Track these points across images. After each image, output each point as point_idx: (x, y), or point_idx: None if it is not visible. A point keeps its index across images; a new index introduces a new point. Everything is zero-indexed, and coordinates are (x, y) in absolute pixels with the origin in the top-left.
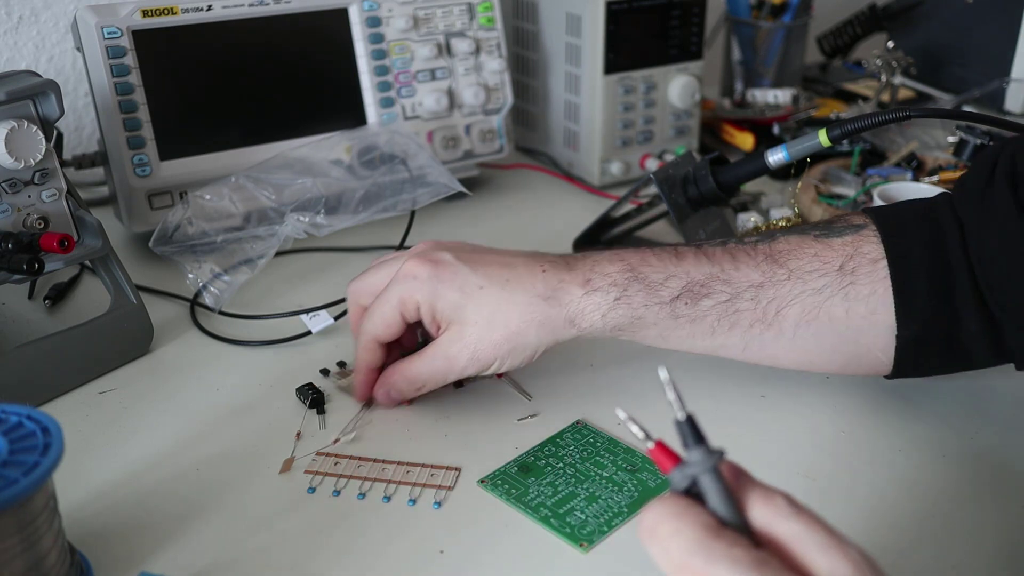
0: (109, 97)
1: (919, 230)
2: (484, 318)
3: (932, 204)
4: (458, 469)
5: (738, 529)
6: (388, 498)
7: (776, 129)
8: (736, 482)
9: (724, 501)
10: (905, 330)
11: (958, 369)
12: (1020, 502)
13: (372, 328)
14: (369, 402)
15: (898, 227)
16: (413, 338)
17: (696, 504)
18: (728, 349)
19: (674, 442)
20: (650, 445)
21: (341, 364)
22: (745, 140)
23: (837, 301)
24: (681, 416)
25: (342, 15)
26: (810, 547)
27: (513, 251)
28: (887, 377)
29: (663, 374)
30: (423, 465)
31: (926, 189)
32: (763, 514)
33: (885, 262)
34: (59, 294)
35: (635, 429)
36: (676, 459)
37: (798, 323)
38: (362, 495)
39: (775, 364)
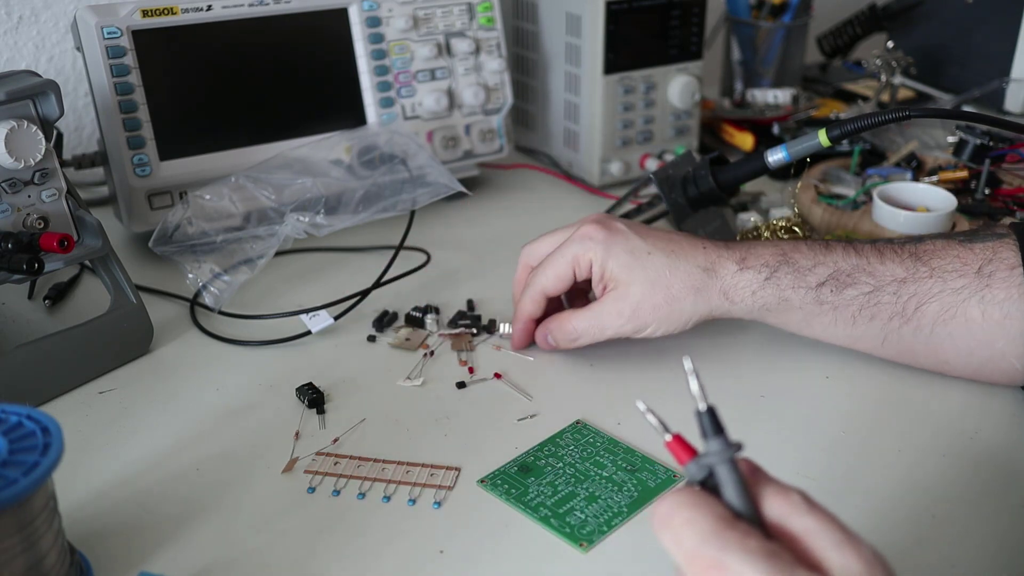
0: (109, 97)
1: None
2: (649, 280)
3: None
4: (458, 469)
5: (752, 522)
6: (388, 498)
7: (776, 129)
8: (752, 478)
9: (739, 493)
10: None
11: None
12: (1020, 502)
13: (543, 280)
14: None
15: None
16: (561, 306)
17: (711, 496)
18: (867, 341)
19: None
20: (668, 437)
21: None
22: (745, 140)
23: (974, 303)
24: (703, 406)
25: (342, 15)
26: (824, 543)
27: (667, 231)
28: (1023, 387)
29: (688, 364)
30: (423, 465)
31: (926, 189)
32: (777, 509)
33: (1022, 269)
34: (59, 294)
35: (654, 421)
36: (692, 452)
37: (936, 321)
38: (362, 495)
39: (912, 362)
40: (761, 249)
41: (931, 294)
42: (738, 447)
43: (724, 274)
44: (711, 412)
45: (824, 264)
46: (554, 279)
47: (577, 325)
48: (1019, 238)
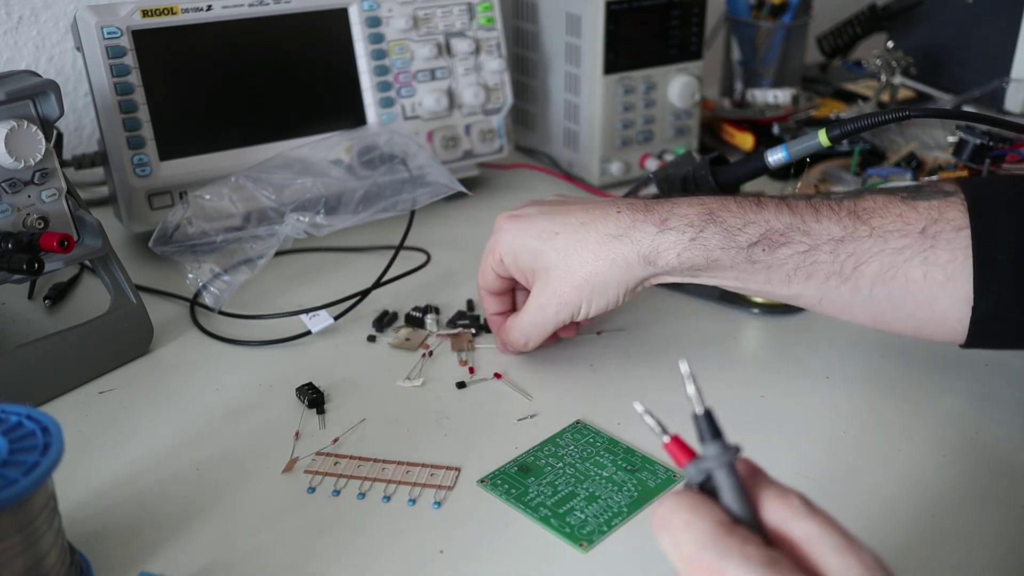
0: (109, 97)
1: (1010, 207)
2: (563, 261)
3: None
4: (458, 469)
5: (751, 526)
6: (388, 498)
7: (776, 129)
8: (751, 479)
9: (738, 497)
10: (983, 302)
11: None
12: (1020, 502)
13: (480, 281)
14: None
15: (987, 202)
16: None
17: (710, 499)
18: (804, 299)
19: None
20: (666, 439)
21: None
22: (745, 140)
23: (916, 264)
24: (700, 410)
25: (342, 15)
26: (823, 548)
27: (589, 199)
28: (962, 346)
29: (684, 367)
30: (423, 465)
31: None
32: (777, 513)
33: (968, 231)
34: (59, 294)
35: (651, 422)
36: (691, 454)
37: (875, 281)
38: (362, 495)
39: (851, 319)
40: (685, 208)
41: (871, 253)
42: (736, 450)
43: (641, 238)
44: (708, 415)
45: (755, 223)
46: (483, 280)
47: (522, 326)
48: (967, 197)
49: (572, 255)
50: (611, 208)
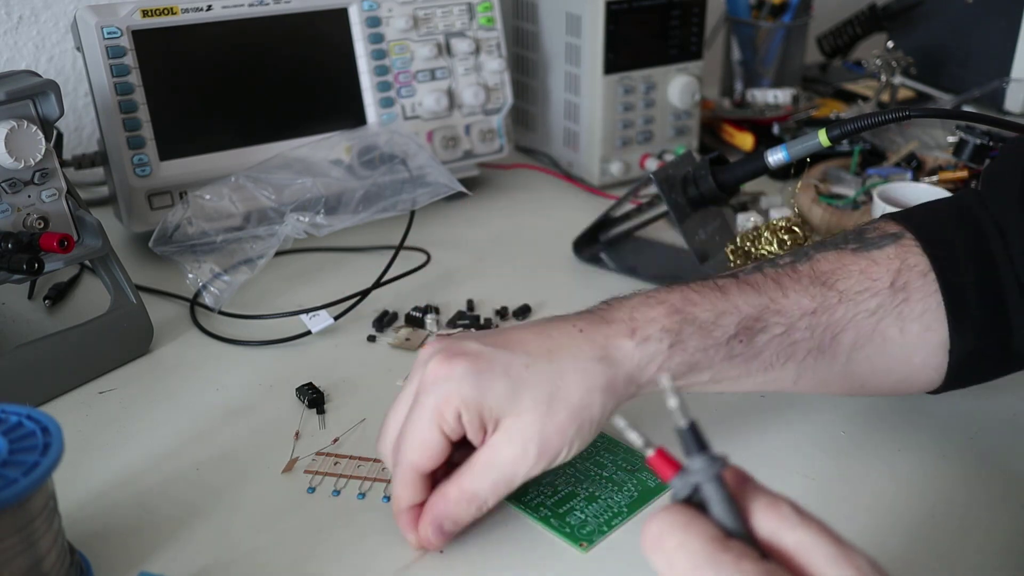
0: (109, 97)
1: (961, 237)
2: (542, 400)
3: (963, 206)
4: None
5: (744, 540)
6: (388, 498)
7: (776, 129)
8: (740, 488)
9: (728, 510)
10: (961, 344)
11: (1010, 372)
12: (1020, 502)
13: (410, 456)
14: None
15: (938, 234)
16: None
17: (701, 515)
18: (780, 382)
19: (672, 448)
20: (650, 452)
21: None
22: (745, 140)
23: (891, 321)
24: (683, 423)
25: (342, 15)
26: (817, 558)
27: (529, 323)
28: (932, 392)
29: (664, 381)
30: None
31: (926, 189)
32: (768, 523)
33: (934, 275)
34: (59, 294)
35: (634, 437)
36: (677, 466)
37: (852, 348)
38: (362, 495)
39: (825, 391)
40: (647, 311)
41: (845, 320)
42: (723, 462)
43: (622, 357)
44: (693, 428)
45: (727, 313)
46: (422, 452)
47: (477, 490)
48: (919, 238)
49: (554, 391)
50: (568, 327)
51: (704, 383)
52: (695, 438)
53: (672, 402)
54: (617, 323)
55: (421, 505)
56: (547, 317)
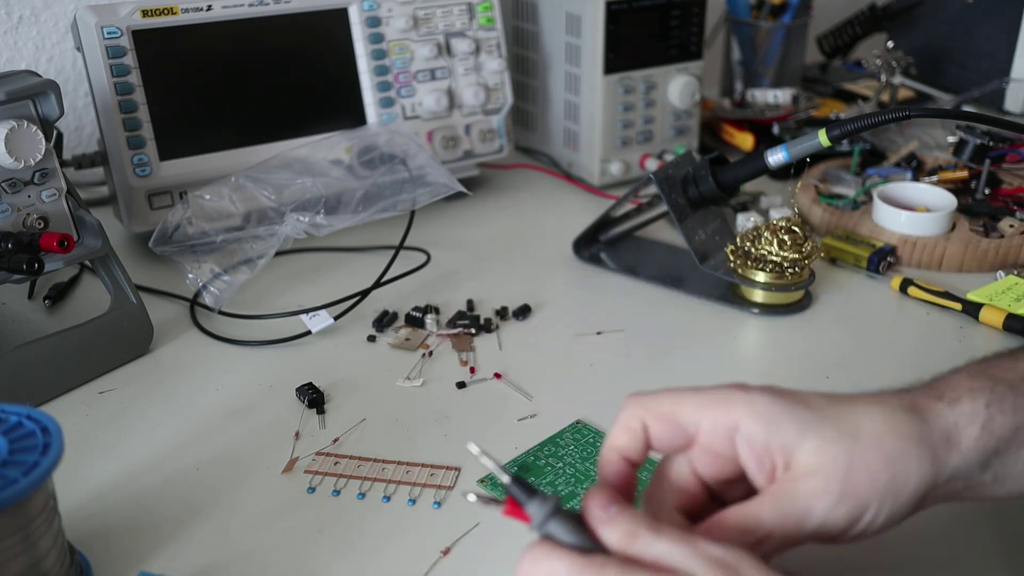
0: (109, 97)
1: None
2: (848, 436)
3: None
4: (458, 469)
5: (603, 552)
6: (388, 498)
7: (776, 129)
8: (594, 512)
9: (576, 536)
10: None
11: None
12: (1020, 502)
13: (650, 407)
14: None
15: None
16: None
17: (558, 545)
18: None
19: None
20: (503, 509)
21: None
22: (745, 140)
23: None
24: (506, 479)
25: (342, 15)
26: (677, 563)
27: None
28: None
29: (473, 448)
30: (423, 465)
31: (926, 189)
32: (615, 542)
33: None
34: (59, 294)
35: (491, 464)
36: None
37: None
38: (362, 495)
39: None
40: (947, 378)
41: None
42: (555, 500)
43: (934, 414)
44: (516, 480)
45: None
46: (668, 415)
47: (760, 514)
48: None
49: (859, 429)
50: (860, 395)
51: (1019, 459)
52: (522, 488)
53: (488, 463)
54: (918, 390)
55: (634, 468)
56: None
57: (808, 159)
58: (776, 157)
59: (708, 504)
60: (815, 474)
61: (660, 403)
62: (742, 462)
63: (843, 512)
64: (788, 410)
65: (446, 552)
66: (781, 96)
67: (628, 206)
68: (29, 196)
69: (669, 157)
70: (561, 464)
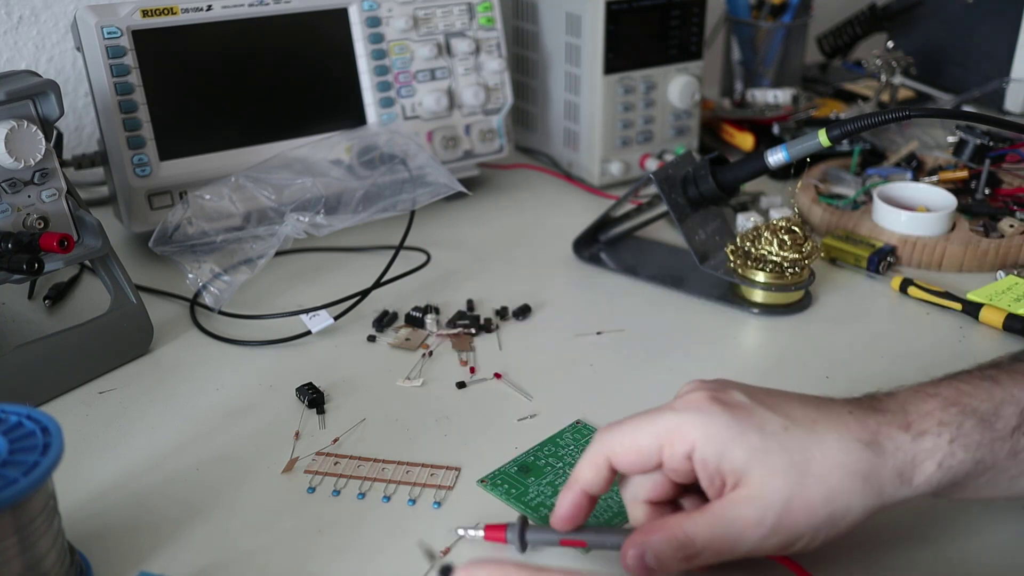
0: (109, 97)
1: None
2: (795, 468)
3: None
4: (458, 469)
5: None
6: (388, 498)
7: (776, 129)
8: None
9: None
10: None
11: None
12: (1020, 502)
13: (611, 444)
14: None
15: None
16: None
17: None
18: None
19: None
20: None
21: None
22: (745, 140)
23: None
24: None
25: (342, 15)
26: None
27: (798, 393)
28: None
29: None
30: (423, 465)
31: (926, 189)
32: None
33: None
34: (59, 294)
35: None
36: (503, 527)
37: None
38: (362, 495)
39: None
40: (920, 404)
41: None
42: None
43: (894, 449)
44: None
45: (1006, 403)
46: (629, 448)
47: (696, 536)
48: None
49: (808, 462)
50: (838, 406)
51: (981, 486)
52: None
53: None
54: (890, 414)
55: (588, 497)
56: (819, 396)
57: (808, 159)
58: (776, 157)
59: (679, 493)
60: (753, 503)
61: (622, 438)
62: (697, 476)
63: (775, 542)
64: (740, 435)
65: (446, 552)
66: (781, 96)
67: (628, 206)
68: (29, 196)
69: (669, 157)
70: (561, 464)
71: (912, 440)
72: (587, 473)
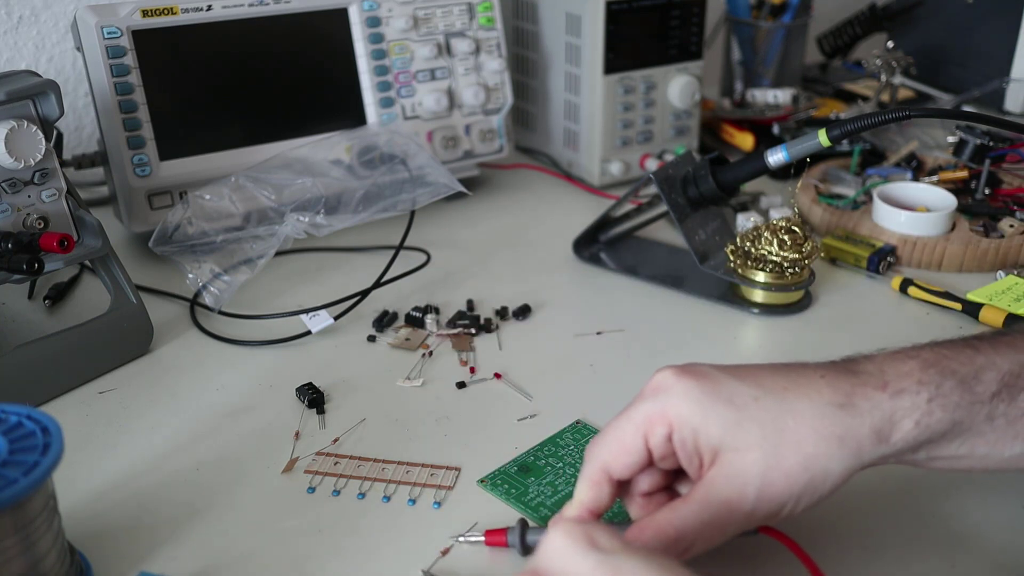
0: (109, 97)
1: None
2: (767, 440)
3: None
4: (458, 469)
5: None
6: (388, 498)
7: (776, 129)
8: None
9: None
10: None
11: None
12: (1020, 502)
13: (603, 455)
14: None
15: None
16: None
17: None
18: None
19: None
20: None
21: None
22: (745, 140)
23: None
24: None
25: (342, 15)
26: None
27: (770, 363)
28: None
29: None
30: (423, 465)
31: (926, 189)
32: None
33: None
34: (59, 294)
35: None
36: (503, 531)
37: None
38: (362, 495)
39: None
40: (899, 365)
41: None
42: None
43: (869, 408)
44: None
45: (987, 368)
46: (618, 452)
47: (685, 527)
48: None
49: (781, 431)
50: (810, 371)
51: (954, 450)
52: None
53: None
54: (865, 375)
55: (596, 515)
56: (790, 363)
57: (808, 159)
58: (776, 157)
59: (672, 481)
60: (732, 481)
61: (609, 445)
62: (678, 457)
63: (760, 514)
64: (711, 409)
65: (446, 552)
66: (781, 96)
67: (628, 206)
68: (29, 196)
69: (669, 157)
70: (561, 464)
71: (890, 398)
72: (589, 493)
